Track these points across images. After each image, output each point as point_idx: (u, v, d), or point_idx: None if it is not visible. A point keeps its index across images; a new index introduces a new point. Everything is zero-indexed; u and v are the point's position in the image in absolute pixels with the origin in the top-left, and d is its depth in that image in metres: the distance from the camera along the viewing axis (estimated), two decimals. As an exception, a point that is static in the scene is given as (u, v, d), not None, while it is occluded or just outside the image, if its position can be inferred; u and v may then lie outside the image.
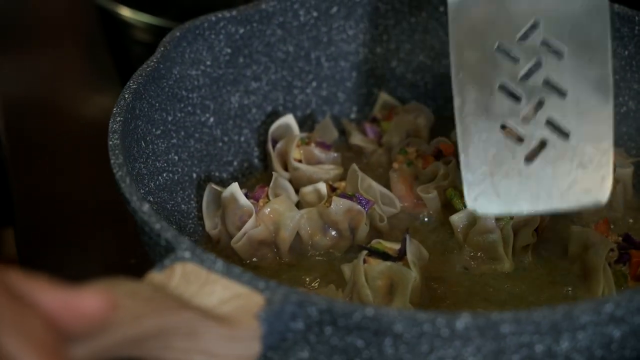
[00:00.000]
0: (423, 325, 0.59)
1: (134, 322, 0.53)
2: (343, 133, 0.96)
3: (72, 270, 0.88)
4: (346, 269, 0.78)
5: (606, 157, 0.73)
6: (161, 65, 0.84)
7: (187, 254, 0.63)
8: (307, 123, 0.96)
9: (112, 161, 0.72)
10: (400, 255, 0.77)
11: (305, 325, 0.60)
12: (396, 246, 0.78)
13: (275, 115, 0.94)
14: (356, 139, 0.94)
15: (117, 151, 0.73)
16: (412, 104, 0.96)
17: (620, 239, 0.79)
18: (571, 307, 0.59)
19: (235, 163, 0.92)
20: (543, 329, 0.59)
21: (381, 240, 0.79)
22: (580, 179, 0.73)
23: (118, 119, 0.77)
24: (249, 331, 0.58)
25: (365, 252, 0.77)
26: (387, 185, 0.88)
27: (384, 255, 0.77)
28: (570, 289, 0.79)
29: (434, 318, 0.58)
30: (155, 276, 0.61)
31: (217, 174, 0.90)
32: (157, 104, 0.84)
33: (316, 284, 0.80)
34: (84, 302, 0.50)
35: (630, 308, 0.60)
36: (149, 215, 0.67)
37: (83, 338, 0.50)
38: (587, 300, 0.60)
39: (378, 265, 0.76)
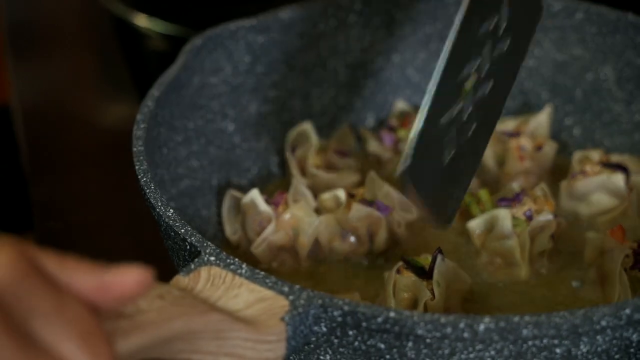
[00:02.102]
0: (445, 328, 0.60)
1: (163, 324, 0.54)
2: (360, 140, 0.97)
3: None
4: (386, 275, 0.79)
5: None
6: (182, 74, 0.85)
7: (212, 258, 0.64)
8: (325, 130, 0.97)
9: (136, 167, 0.74)
10: (429, 274, 0.77)
11: (328, 328, 0.61)
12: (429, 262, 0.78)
13: (293, 122, 0.95)
14: (373, 146, 0.95)
15: (141, 157, 0.74)
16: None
17: (636, 245, 0.80)
18: (591, 311, 0.60)
19: (254, 169, 0.93)
20: (563, 333, 0.60)
21: (429, 256, 0.78)
22: None
23: (142, 126, 0.78)
24: (276, 334, 0.59)
25: (401, 263, 0.77)
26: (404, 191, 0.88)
27: (420, 270, 0.77)
28: (586, 294, 0.80)
29: (456, 321, 0.59)
30: (182, 280, 0.62)
31: (236, 180, 0.91)
32: (178, 112, 0.85)
33: (334, 288, 0.81)
34: (122, 279, 0.48)
35: (649, 312, 0.61)
36: (173, 220, 0.68)
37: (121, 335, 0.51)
38: (607, 304, 0.61)
39: (406, 278, 0.76)
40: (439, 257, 0.76)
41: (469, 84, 0.71)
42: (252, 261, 0.83)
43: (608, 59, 0.93)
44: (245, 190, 0.87)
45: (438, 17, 0.97)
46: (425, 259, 0.77)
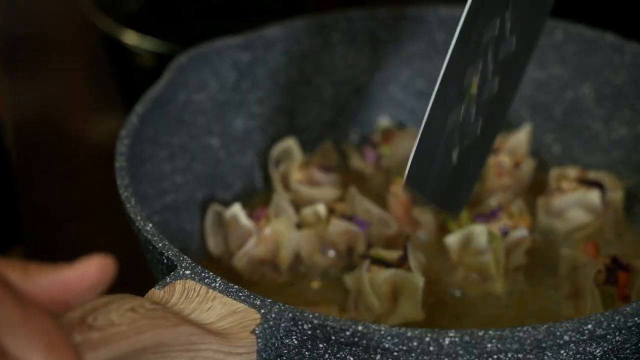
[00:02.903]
0: (411, 341, 0.61)
1: (134, 336, 0.56)
2: (343, 156, 0.99)
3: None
4: (348, 279, 0.81)
5: None
6: (167, 91, 0.87)
7: (187, 272, 0.66)
8: (309, 146, 0.98)
9: (118, 182, 0.76)
10: (401, 262, 0.79)
11: (299, 341, 0.63)
12: (394, 254, 0.80)
13: (277, 138, 0.96)
14: (356, 162, 0.97)
15: (123, 173, 0.76)
16: (411, 128, 0.99)
17: (609, 260, 0.82)
18: (554, 326, 0.62)
19: (238, 184, 0.95)
20: (527, 347, 0.62)
21: (379, 249, 0.81)
22: None
23: (125, 141, 0.80)
24: (246, 346, 0.61)
25: (368, 261, 0.80)
26: (385, 207, 0.90)
27: (386, 263, 0.79)
28: (559, 309, 0.81)
29: (422, 335, 0.61)
30: (157, 293, 0.64)
31: (221, 195, 0.93)
32: (163, 128, 0.87)
33: (314, 301, 0.82)
34: (84, 272, 0.48)
35: (611, 327, 0.63)
36: (152, 234, 0.70)
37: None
38: (569, 319, 0.62)
39: (382, 273, 0.78)
40: (409, 245, 0.79)
41: (473, 88, 0.72)
42: (234, 274, 0.85)
43: (587, 77, 0.95)
44: (229, 204, 0.89)
45: (421, 35, 0.99)
46: (389, 254, 0.80)
